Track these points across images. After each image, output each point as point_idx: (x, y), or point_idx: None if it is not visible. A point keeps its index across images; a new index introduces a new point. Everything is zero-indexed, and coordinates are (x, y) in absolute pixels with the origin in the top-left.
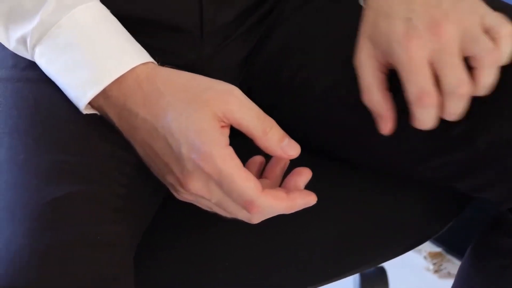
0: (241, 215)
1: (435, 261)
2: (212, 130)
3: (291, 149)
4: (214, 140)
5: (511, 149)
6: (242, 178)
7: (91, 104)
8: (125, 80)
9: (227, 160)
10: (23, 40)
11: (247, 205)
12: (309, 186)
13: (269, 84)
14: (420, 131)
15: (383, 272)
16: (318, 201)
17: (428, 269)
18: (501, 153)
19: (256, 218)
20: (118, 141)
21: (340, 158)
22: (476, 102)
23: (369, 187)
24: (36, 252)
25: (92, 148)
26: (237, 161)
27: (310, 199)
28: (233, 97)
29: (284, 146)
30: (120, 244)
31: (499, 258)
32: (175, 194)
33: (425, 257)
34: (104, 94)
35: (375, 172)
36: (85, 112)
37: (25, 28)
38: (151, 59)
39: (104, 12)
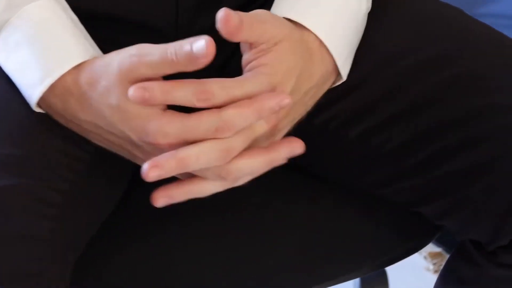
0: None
1: (435, 261)
2: (145, 108)
3: (200, 49)
4: (153, 116)
5: (467, 180)
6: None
7: (39, 105)
8: (57, 88)
9: (173, 123)
10: None
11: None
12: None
13: None
14: (381, 154)
15: (383, 272)
16: (279, 213)
17: (428, 269)
18: (457, 183)
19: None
20: (72, 138)
21: (312, 173)
22: (435, 134)
23: (331, 204)
24: None
25: (42, 144)
26: (183, 115)
27: (281, 98)
28: (134, 59)
29: (195, 53)
30: (53, 240)
31: (463, 287)
32: None
33: (425, 257)
34: (44, 102)
35: (344, 189)
36: (37, 110)
37: None
38: (88, 57)
39: (55, 11)
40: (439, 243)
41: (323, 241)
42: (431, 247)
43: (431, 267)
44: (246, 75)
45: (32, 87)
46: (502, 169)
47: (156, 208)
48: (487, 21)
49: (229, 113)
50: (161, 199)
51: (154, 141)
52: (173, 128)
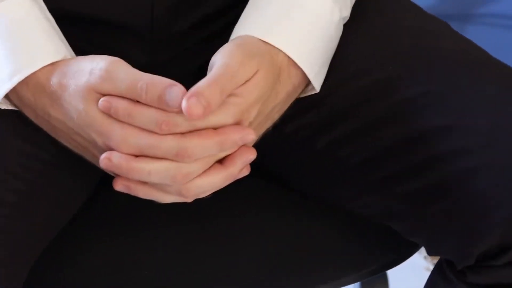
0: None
1: (435, 261)
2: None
3: (173, 101)
4: (119, 125)
5: (427, 201)
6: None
7: (10, 100)
8: (31, 82)
9: (137, 136)
10: None
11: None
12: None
13: None
14: (348, 167)
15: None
16: (245, 223)
17: (428, 269)
18: (419, 202)
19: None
20: (31, 137)
21: (288, 186)
22: (398, 151)
23: (299, 216)
24: None
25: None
26: (148, 132)
27: (245, 133)
28: (103, 74)
29: (167, 102)
30: (5, 240)
31: None
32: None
33: (425, 257)
34: (15, 93)
35: (313, 202)
36: (2, 107)
37: None
38: (62, 56)
39: (30, 7)
40: None
41: (292, 254)
42: None
43: (431, 267)
44: None
45: (2, 81)
46: (458, 192)
47: (123, 212)
48: (487, 21)
49: (191, 142)
50: (120, 185)
51: (117, 149)
52: (135, 141)
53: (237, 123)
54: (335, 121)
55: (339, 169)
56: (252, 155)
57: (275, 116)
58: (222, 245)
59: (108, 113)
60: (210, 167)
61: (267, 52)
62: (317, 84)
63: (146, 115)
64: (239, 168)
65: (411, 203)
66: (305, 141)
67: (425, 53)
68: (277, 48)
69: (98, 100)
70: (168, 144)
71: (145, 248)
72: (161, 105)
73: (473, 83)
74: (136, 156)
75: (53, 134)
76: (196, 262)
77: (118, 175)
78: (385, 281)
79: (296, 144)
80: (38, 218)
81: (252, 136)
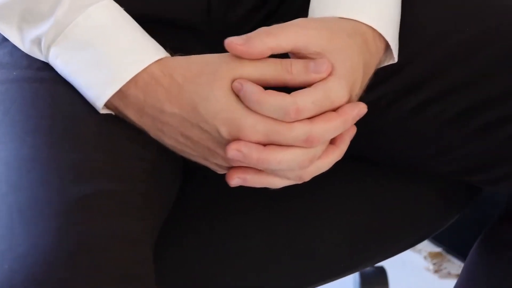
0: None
1: (435, 261)
2: (240, 104)
3: (321, 67)
4: (248, 112)
5: None
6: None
7: (106, 104)
8: (141, 79)
9: (266, 123)
10: (37, 41)
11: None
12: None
13: None
14: (438, 124)
15: (383, 272)
16: (325, 197)
17: (428, 269)
18: None
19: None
20: (135, 139)
21: (351, 154)
22: (492, 98)
23: (372, 183)
24: (65, 250)
25: (112, 146)
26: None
27: (360, 107)
28: (241, 60)
29: (314, 71)
30: (144, 241)
31: (510, 251)
32: (219, 171)
33: (425, 257)
34: (120, 94)
35: (382, 167)
36: (102, 111)
37: (39, 29)
38: (165, 54)
39: (118, 10)
40: (439, 243)
41: (369, 220)
42: (431, 247)
43: (431, 267)
44: (323, 84)
45: (106, 84)
46: None
47: (206, 202)
48: None
49: (319, 126)
50: (236, 179)
51: (243, 137)
52: (264, 128)
53: (349, 100)
54: (420, 84)
55: (428, 127)
56: (354, 130)
57: (364, 87)
58: (306, 222)
59: (237, 94)
60: (327, 150)
61: (349, 24)
62: (396, 53)
63: (274, 103)
64: (347, 144)
65: (510, 147)
66: (388, 107)
67: (498, 11)
68: (361, 22)
69: (229, 87)
70: (298, 131)
71: (239, 231)
72: (308, 77)
73: None
74: (264, 145)
75: (156, 132)
76: (290, 240)
77: (232, 168)
78: (385, 281)
79: (377, 112)
80: (156, 217)
81: (365, 109)
